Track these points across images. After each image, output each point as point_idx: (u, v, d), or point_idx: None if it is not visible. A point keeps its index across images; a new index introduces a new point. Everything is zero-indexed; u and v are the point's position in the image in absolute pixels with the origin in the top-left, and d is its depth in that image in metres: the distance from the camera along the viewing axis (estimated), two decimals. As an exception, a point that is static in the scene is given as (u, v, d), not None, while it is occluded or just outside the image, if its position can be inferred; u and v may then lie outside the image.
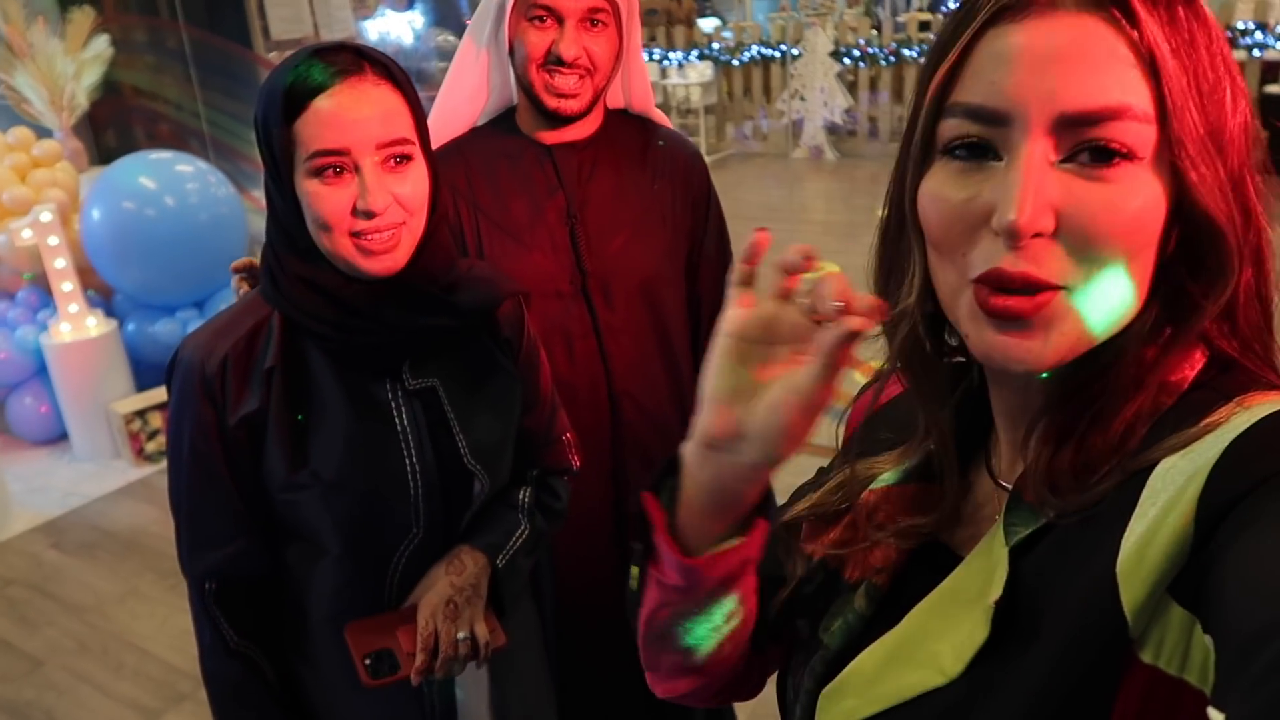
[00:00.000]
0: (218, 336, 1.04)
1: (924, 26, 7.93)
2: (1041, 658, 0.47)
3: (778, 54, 8.27)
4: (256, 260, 1.17)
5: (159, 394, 3.75)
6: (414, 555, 1.11)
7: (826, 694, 0.59)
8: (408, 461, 1.07)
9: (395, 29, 8.04)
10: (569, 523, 1.44)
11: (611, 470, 1.46)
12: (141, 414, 3.68)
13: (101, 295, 3.95)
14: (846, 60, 7.95)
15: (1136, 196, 0.47)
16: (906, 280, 0.56)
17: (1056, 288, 0.48)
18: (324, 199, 0.96)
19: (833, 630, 0.61)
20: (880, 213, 0.60)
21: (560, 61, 1.29)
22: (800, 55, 7.88)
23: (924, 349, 0.58)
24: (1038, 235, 0.47)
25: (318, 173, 0.95)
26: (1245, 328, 0.51)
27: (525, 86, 1.35)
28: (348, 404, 1.04)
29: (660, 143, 1.47)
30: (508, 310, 1.16)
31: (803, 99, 7.97)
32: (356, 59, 0.96)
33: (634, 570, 0.62)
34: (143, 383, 3.83)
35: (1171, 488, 0.45)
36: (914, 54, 7.78)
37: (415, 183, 0.99)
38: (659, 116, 1.52)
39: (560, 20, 1.29)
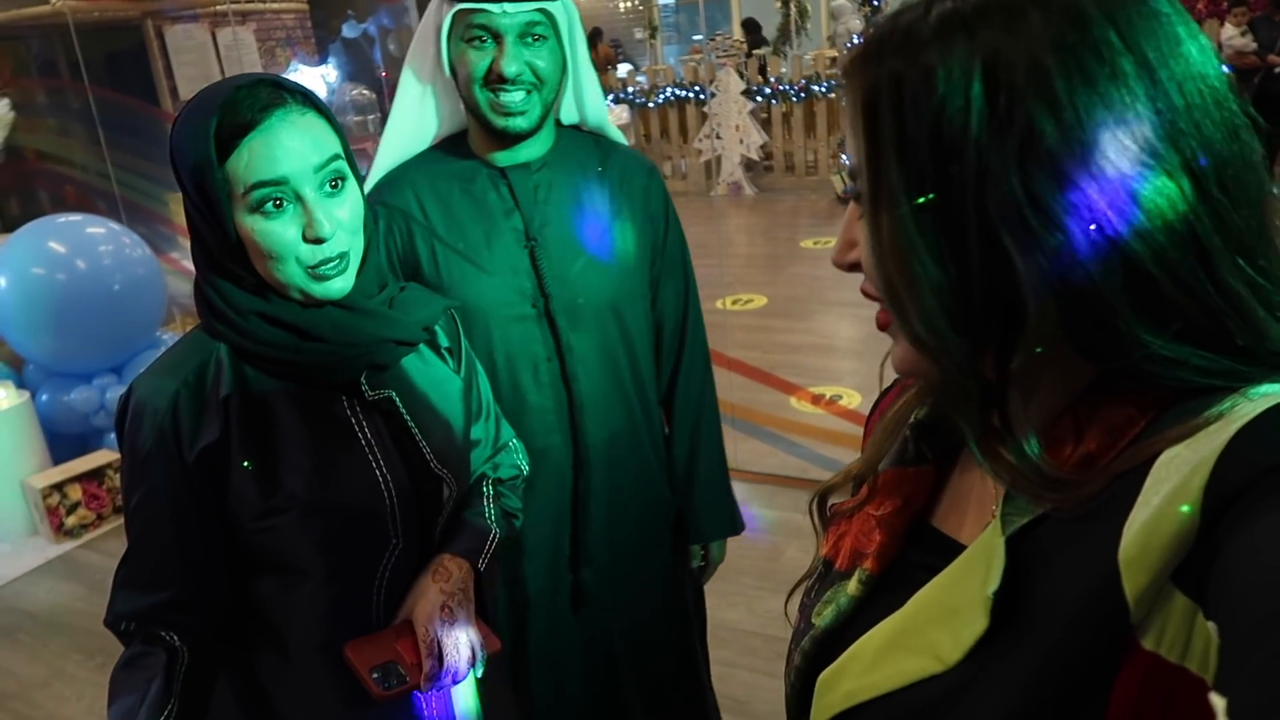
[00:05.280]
0: (165, 375, 1.03)
1: (832, 62, 8.22)
2: (1040, 647, 0.48)
3: (691, 95, 8.47)
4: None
5: (76, 466, 3.61)
6: (396, 569, 1.11)
7: (824, 678, 0.60)
8: (378, 473, 1.08)
9: (308, 84, 7.98)
10: (527, 548, 1.43)
11: (574, 496, 1.44)
12: (59, 487, 3.53)
13: (11, 367, 3.80)
14: (759, 98, 8.18)
15: (877, 238, 0.52)
16: None
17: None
18: (271, 234, 0.96)
19: (824, 613, 0.62)
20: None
21: (503, 80, 1.28)
22: (714, 95, 8.08)
23: None
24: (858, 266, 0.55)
25: (258, 206, 0.96)
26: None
27: (471, 108, 1.33)
28: (309, 425, 1.05)
29: (613, 159, 1.45)
30: (445, 322, 1.21)
31: (719, 138, 8.16)
32: (276, 90, 0.98)
33: None
34: (59, 455, 3.68)
35: (1175, 477, 0.45)
36: (823, 90, 8.05)
37: (353, 203, 1.01)
38: (614, 132, 1.49)
39: (498, 38, 1.27)
